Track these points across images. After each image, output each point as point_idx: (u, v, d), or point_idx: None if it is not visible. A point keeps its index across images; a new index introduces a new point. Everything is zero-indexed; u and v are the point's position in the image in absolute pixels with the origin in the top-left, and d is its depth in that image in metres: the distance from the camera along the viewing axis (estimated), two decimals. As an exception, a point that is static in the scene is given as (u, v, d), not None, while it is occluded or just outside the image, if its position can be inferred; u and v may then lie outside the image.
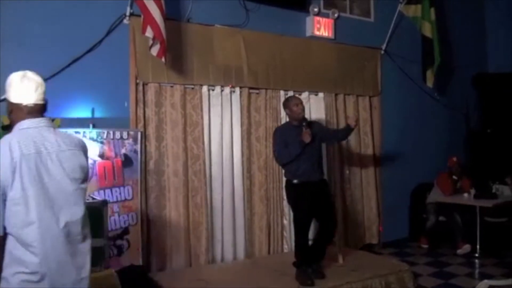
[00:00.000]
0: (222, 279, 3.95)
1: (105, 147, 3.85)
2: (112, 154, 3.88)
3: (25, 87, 1.86)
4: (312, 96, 5.16)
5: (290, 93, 4.90)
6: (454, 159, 5.77)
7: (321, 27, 5.21)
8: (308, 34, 5.18)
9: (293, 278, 3.82)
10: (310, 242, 3.97)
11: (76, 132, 3.72)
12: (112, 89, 4.04)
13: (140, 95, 4.14)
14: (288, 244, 4.83)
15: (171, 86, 4.30)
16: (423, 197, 5.93)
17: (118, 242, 3.86)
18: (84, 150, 1.98)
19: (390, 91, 5.83)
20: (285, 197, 4.44)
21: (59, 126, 3.71)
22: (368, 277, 3.93)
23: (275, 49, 4.89)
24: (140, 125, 4.12)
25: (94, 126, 3.85)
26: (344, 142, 5.34)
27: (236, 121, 4.67)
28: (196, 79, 4.41)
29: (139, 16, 3.86)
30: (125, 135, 3.95)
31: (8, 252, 1.76)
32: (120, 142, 3.93)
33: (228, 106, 4.62)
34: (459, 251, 5.37)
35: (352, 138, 5.44)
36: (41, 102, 1.91)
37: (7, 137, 1.82)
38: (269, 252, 4.77)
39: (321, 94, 5.23)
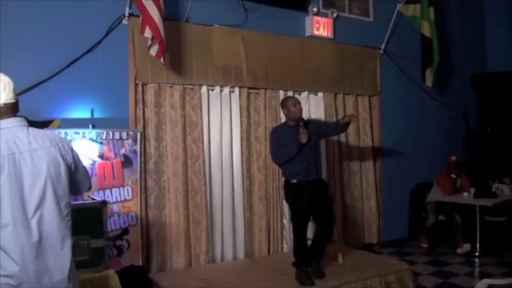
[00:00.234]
0: (222, 279, 3.95)
1: (105, 148, 3.86)
2: (112, 154, 3.89)
3: None
4: (312, 96, 5.17)
5: (290, 93, 4.91)
6: (453, 158, 5.78)
7: (320, 27, 5.22)
8: (307, 34, 5.19)
9: (293, 278, 3.82)
10: (309, 242, 3.97)
11: (76, 133, 3.73)
12: (112, 89, 4.04)
13: (140, 95, 4.14)
14: (288, 244, 4.83)
15: (170, 86, 4.30)
16: (422, 197, 5.93)
17: (118, 242, 3.86)
18: (60, 145, 1.90)
19: (389, 91, 5.84)
20: (284, 197, 4.44)
21: (59, 127, 3.73)
22: (368, 277, 3.93)
23: (274, 49, 4.90)
24: (140, 125, 4.12)
25: (93, 127, 3.85)
26: (343, 142, 5.35)
27: (235, 121, 4.67)
28: (195, 79, 4.41)
29: (138, 16, 3.86)
30: (124, 135, 3.96)
31: None
32: (120, 143, 3.93)
33: (227, 106, 4.63)
34: (458, 250, 5.37)
35: (351, 137, 5.45)
36: (11, 101, 1.85)
37: None
38: (269, 252, 4.78)
39: (320, 94, 5.23)
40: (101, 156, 3.84)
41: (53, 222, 1.80)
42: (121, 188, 3.91)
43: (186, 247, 4.29)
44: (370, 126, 5.65)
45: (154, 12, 3.72)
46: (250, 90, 4.76)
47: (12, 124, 1.83)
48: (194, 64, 4.40)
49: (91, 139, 3.80)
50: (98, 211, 3.19)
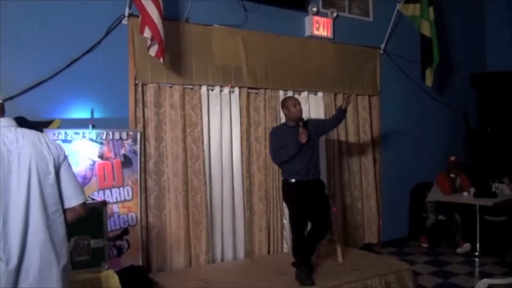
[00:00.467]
0: (222, 279, 3.95)
1: (105, 148, 3.86)
2: (112, 154, 3.89)
3: None
4: (312, 96, 5.17)
5: (289, 93, 4.91)
6: (452, 158, 5.78)
7: (320, 26, 5.22)
8: (307, 33, 5.19)
9: (293, 278, 3.82)
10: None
11: (76, 133, 3.73)
12: (111, 89, 4.04)
13: (139, 95, 4.14)
14: (288, 243, 4.82)
15: (170, 87, 4.30)
16: (422, 196, 5.94)
17: (118, 242, 3.86)
18: (50, 144, 1.92)
19: (389, 91, 5.84)
20: (285, 197, 4.44)
21: (59, 127, 3.73)
22: (368, 277, 3.93)
23: (274, 49, 4.90)
24: (140, 125, 4.12)
25: (93, 127, 3.86)
26: (343, 141, 5.35)
27: (235, 121, 4.67)
28: (195, 79, 4.41)
29: (138, 16, 3.86)
30: (124, 135, 3.96)
31: None
32: (120, 143, 3.93)
33: (227, 106, 4.63)
34: (458, 250, 5.37)
35: (351, 137, 5.45)
36: None
37: None
38: (269, 252, 4.78)
39: (320, 94, 5.23)
40: (101, 156, 3.84)
41: (38, 218, 1.81)
42: (121, 188, 3.91)
43: (186, 247, 4.29)
44: (370, 126, 5.65)
45: (153, 12, 3.72)
46: (250, 90, 4.76)
47: (0, 124, 1.86)
48: (194, 64, 4.40)
49: (91, 139, 3.80)
50: (98, 211, 3.19)
